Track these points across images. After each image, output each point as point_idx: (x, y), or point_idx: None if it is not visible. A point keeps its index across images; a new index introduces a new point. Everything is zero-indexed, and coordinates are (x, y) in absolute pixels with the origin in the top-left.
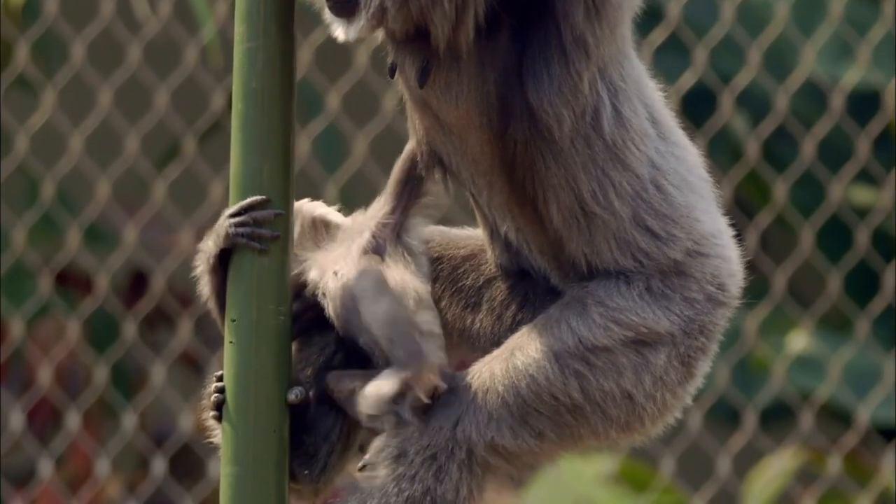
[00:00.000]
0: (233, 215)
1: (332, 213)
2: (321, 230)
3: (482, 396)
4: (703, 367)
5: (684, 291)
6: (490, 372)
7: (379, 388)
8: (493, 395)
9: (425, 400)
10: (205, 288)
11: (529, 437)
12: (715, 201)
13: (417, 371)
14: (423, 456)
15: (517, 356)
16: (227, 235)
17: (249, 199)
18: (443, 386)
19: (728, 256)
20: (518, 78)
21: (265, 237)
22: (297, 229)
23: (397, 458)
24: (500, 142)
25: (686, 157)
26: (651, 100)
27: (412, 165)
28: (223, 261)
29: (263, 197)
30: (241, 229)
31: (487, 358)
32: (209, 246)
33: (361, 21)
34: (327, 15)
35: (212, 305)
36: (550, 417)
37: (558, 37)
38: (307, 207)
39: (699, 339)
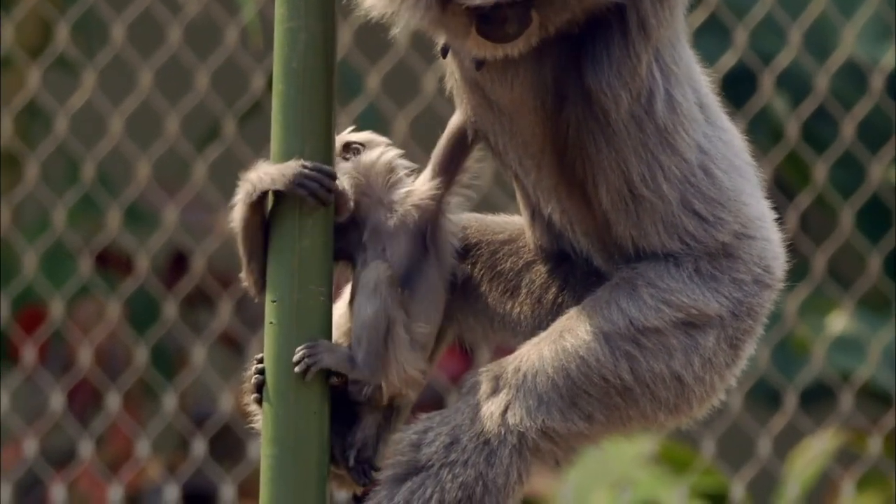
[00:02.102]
0: (305, 167)
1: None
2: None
3: (531, 379)
4: (749, 349)
5: (732, 273)
6: (538, 354)
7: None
8: (542, 377)
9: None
10: (238, 225)
11: (579, 419)
12: (759, 185)
13: (366, 379)
14: (475, 442)
15: (566, 338)
16: (292, 179)
17: (325, 167)
18: (410, 397)
19: (772, 239)
20: (574, 61)
21: (323, 197)
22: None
23: (450, 445)
24: (552, 124)
25: (733, 142)
26: (699, 83)
27: (457, 141)
28: (261, 205)
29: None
30: (308, 181)
31: (534, 340)
32: (260, 178)
33: (521, 42)
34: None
35: (244, 252)
36: (600, 399)
37: (620, 19)
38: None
39: (746, 322)
